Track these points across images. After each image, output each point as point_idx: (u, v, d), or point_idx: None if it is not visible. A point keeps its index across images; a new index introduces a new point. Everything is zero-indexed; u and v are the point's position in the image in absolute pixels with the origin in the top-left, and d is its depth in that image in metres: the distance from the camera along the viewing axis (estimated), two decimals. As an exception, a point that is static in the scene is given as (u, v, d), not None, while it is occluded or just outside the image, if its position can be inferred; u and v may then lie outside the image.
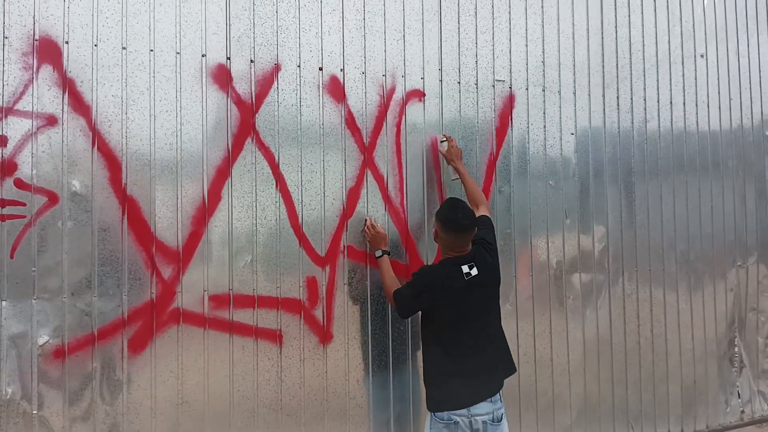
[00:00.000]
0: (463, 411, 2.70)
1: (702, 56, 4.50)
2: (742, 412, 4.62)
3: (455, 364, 2.77)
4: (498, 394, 2.80)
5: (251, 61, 3.17)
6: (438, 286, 2.78)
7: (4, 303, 2.69)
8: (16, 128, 2.72)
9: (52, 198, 2.77)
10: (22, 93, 2.74)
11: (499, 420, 2.77)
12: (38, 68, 2.77)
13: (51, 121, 2.78)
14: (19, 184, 2.72)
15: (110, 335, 2.84)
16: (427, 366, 2.90)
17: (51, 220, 2.77)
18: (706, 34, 4.53)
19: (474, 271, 2.79)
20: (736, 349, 4.60)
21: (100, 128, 2.86)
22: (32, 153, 2.74)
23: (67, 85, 2.81)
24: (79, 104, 2.83)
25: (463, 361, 2.77)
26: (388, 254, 3.20)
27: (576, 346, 3.93)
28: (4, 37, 2.73)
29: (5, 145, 2.71)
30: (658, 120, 4.30)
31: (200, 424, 2.97)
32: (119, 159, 2.88)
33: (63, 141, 2.79)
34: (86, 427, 2.78)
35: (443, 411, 2.72)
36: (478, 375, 2.77)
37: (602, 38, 4.13)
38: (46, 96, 2.78)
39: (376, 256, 3.18)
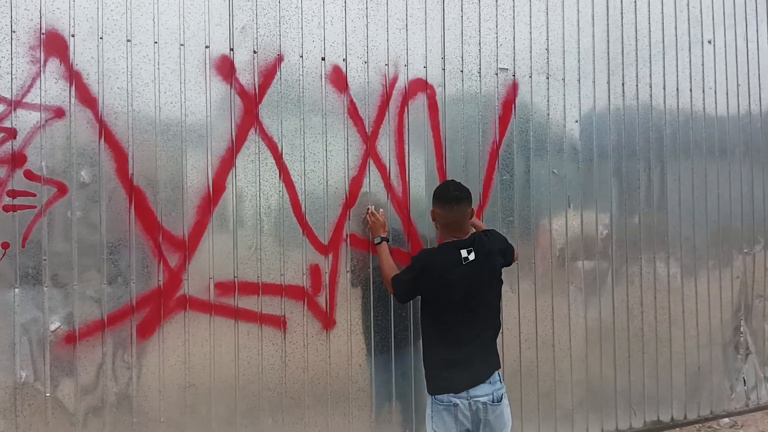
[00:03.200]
0: (463, 393, 2.76)
1: (709, 42, 4.45)
2: (748, 398, 4.64)
3: (453, 347, 2.82)
4: (496, 374, 2.85)
5: (254, 52, 3.21)
6: (435, 270, 2.84)
7: (16, 290, 2.78)
8: (25, 121, 2.80)
9: (62, 189, 2.86)
10: (30, 86, 2.82)
11: (499, 400, 2.81)
12: (45, 61, 2.85)
13: (59, 113, 2.86)
14: (29, 175, 2.80)
15: (119, 321, 2.94)
16: (425, 350, 2.97)
17: (60, 210, 2.86)
18: (713, 19, 4.48)
19: (471, 256, 2.83)
20: (742, 336, 4.60)
21: (106, 120, 2.93)
22: (41, 145, 2.82)
23: (74, 77, 2.88)
24: (85, 97, 2.90)
25: (460, 344, 2.81)
26: (387, 241, 3.26)
27: (579, 331, 3.96)
28: (12, 32, 2.80)
29: (15, 138, 2.79)
30: (664, 106, 4.28)
31: (206, 407, 3.07)
32: (126, 150, 2.95)
33: (71, 133, 2.87)
34: (96, 408, 2.89)
35: (443, 394, 2.78)
36: (475, 358, 2.82)
37: (608, 24, 4.11)
38: (54, 89, 2.85)
39: (375, 242, 3.24)
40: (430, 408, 2.84)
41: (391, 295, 3.30)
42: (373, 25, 3.46)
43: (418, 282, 2.90)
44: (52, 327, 2.84)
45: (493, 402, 2.78)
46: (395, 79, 3.50)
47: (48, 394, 2.82)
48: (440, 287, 2.83)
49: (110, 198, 2.92)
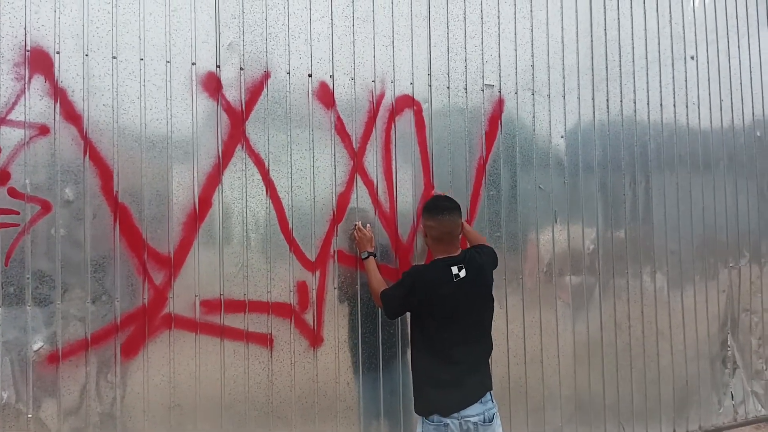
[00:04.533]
0: (454, 414, 2.73)
1: (692, 58, 4.52)
2: (736, 412, 4.65)
3: (444, 367, 2.78)
4: (488, 394, 2.82)
5: (241, 69, 3.21)
6: (426, 286, 2.80)
7: (-2, 310, 2.75)
8: (8, 138, 2.77)
9: (45, 206, 2.83)
10: (15, 103, 2.79)
11: (491, 420, 2.77)
12: (30, 78, 2.83)
13: (43, 130, 2.84)
14: (13, 193, 2.77)
15: (103, 340, 2.89)
16: (415, 370, 2.93)
17: (44, 227, 2.82)
18: (696, 35, 4.55)
19: (462, 273, 2.80)
20: (729, 350, 4.62)
21: (91, 137, 2.91)
22: (25, 162, 2.79)
23: (59, 94, 2.86)
24: (70, 114, 2.88)
25: (451, 364, 2.77)
26: (375, 256, 3.25)
27: (567, 346, 3.96)
28: (-4, 49, 2.78)
29: (-2, 155, 2.76)
30: (648, 121, 4.33)
31: (192, 426, 3.02)
32: (111, 167, 2.93)
33: (55, 150, 2.85)
34: (80, 429, 2.84)
35: (433, 415, 2.75)
36: (466, 378, 2.78)
37: (591, 41, 4.16)
38: (38, 106, 2.83)
39: (362, 257, 3.24)
40: (421, 427, 2.80)
41: (380, 311, 3.28)
42: (359, 42, 3.48)
43: (408, 298, 2.86)
44: (35, 346, 2.79)
45: (484, 422, 2.74)
46: (382, 96, 3.51)
47: (30, 415, 2.77)
48: (431, 304, 2.80)
49: (95, 215, 2.90)
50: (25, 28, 2.83)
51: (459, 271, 2.80)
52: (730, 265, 4.64)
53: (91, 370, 2.87)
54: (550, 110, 3.98)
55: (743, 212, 4.71)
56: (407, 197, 3.53)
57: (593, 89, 4.14)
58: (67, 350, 2.84)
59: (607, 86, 4.19)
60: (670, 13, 4.46)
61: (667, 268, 4.35)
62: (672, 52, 4.46)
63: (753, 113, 4.79)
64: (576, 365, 3.99)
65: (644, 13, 4.36)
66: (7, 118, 2.78)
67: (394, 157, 3.51)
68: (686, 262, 4.43)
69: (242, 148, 3.18)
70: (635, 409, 4.18)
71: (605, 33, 4.21)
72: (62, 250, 2.84)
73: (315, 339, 3.28)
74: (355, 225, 3.33)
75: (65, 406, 2.83)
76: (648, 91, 4.34)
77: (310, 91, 3.35)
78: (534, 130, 3.93)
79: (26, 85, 2.82)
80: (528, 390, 3.82)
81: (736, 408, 4.64)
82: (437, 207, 2.91)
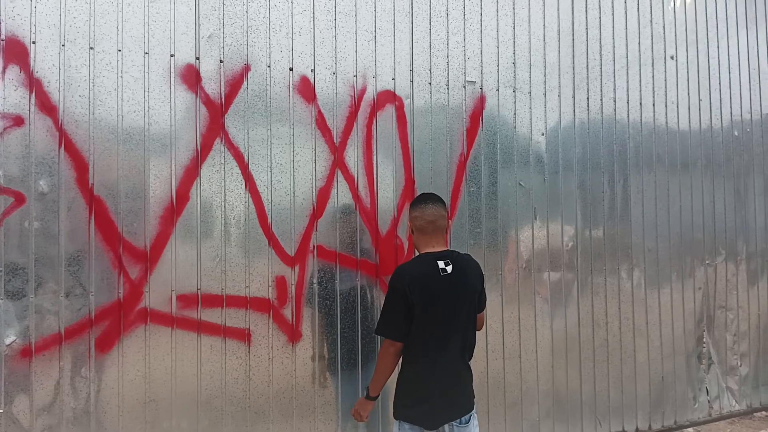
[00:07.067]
0: None
1: (672, 58, 4.56)
2: (711, 407, 4.71)
3: (427, 371, 2.64)
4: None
5: (221, 62, 3.18)
6: (416, 277, 2.62)
7: (-31, 303, 2.70)
8: (-19, 128, 2.73)
9: (19, 198, 2.78)
10: (-12, 93, 2.75)
11: (467, 421, 2.69)
12: (5, 68, 2.78)
13: (18, 121, 2.79)
14: (-15, 184, 2.73)
15: (77, 335, 2.86)
16: (399, 372, 2.75)
17: (18, 220, 2.78)
18: (676, 36, 4.59)
19: (449, 268, 2.66)
20: (704, 346, 4.69)
21: (67, 128, 2.87)
22: (-2, 153, 2.75)
23: (34, 85, 2.82)
24: (45, 104, 2.83)
25: (433, 369, 2.64)
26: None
27: (545, 342, 3.99)
28: (-30, 37, 2.73)
29: (-30, 146, 2.71)
30: (628, 120, 4.36)
31: (168, 422, 3.00)
32: (86, 159, 2.89)
33: (30, 141, 2.80)
34: (53, 426, 2.80)
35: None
36: (448, 389, 2.66)
37: (573, 39, 4.18)
38: (13, 96, 2.79)
39: (372, 396, 2.83)
40: (397, 427, 2.74)
41: (359, 307, 3.27)
42: (341, 37, 3.46)
43: (405, 300, 2.61)
44: (7, 341, 2.75)
45: (461, 423, 2.66)
46: (363, 91, 3.50)
47: (1, 411, 2.73)
48: (420, 298, 2.60)
49: (69, 208, 2.86)
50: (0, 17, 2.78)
51: (446, 266, 2.66)
52: (707, 262, 4.70)
53: (65, 365, 2.84)
54: (531, 108, 4.00)
55: (720, 211, 4.77)
56: (388, 192, 3.53)
57: (574, 88, 4.16)
58: (41, 344, 2.80)
59: (587, 85, 4.21)
60: (651, 13, 4.50)
61: (644, 266, 4.39)
62: (652, 52, 4.49)
63: (731, 113, 4.84)
64: (554, 361, 4.02)
65: (625, 12, 4.39)
66: (-20, 108, 2.73)
67: (375, 153, 3.50)
68: (663, 259, 4.48)
69: (221, 141, 3.16)
70: (612, 404, 4.23)
71: (586, 32, 4.23)
72: (36, 242, 2.80)
73: (293, 334, 3.26)
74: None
75: (38, 401, 2.79)
76: (628, 91, 4.37)
77: (290, 85, 3.33)
78: (515, 127, 3.94)
79: (0, 75, 2.77)
80: (506, 385, 3.84)
81: (711, 403, 4.71)
82: (422, 198, 2.82)
